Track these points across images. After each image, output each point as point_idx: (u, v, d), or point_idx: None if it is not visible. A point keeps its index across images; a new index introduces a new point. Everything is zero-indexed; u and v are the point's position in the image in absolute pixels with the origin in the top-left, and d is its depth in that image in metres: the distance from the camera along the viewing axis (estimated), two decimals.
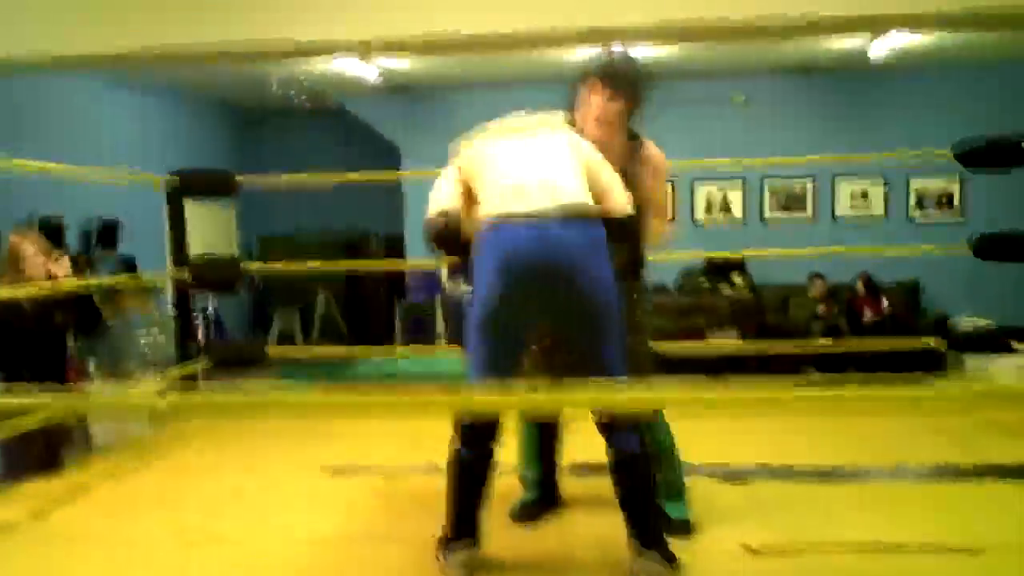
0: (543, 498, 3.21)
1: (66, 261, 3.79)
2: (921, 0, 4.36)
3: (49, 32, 5.34)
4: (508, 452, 2.87)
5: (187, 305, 4.94)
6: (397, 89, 9.47)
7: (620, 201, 2.60)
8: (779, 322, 8.49)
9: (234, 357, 5.05)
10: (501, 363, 2.48)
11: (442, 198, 2.62)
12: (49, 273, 3.69)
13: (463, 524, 2.64)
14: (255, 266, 5.03)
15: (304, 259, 7.63)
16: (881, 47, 7.75)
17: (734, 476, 3.52)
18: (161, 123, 9.34)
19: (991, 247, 4.37)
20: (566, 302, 2.41)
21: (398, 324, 9.50)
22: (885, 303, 8.38)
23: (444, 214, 2.57)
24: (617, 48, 2.93)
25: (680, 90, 9.05)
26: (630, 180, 2.74)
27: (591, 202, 2.47)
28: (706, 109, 9.18)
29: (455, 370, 7.79)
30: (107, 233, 7.59)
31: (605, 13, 4.90)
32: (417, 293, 9.68)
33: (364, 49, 6.48)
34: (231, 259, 4.89)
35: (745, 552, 2.75)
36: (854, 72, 8.78)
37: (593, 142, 2.70)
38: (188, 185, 4.78)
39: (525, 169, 2.49)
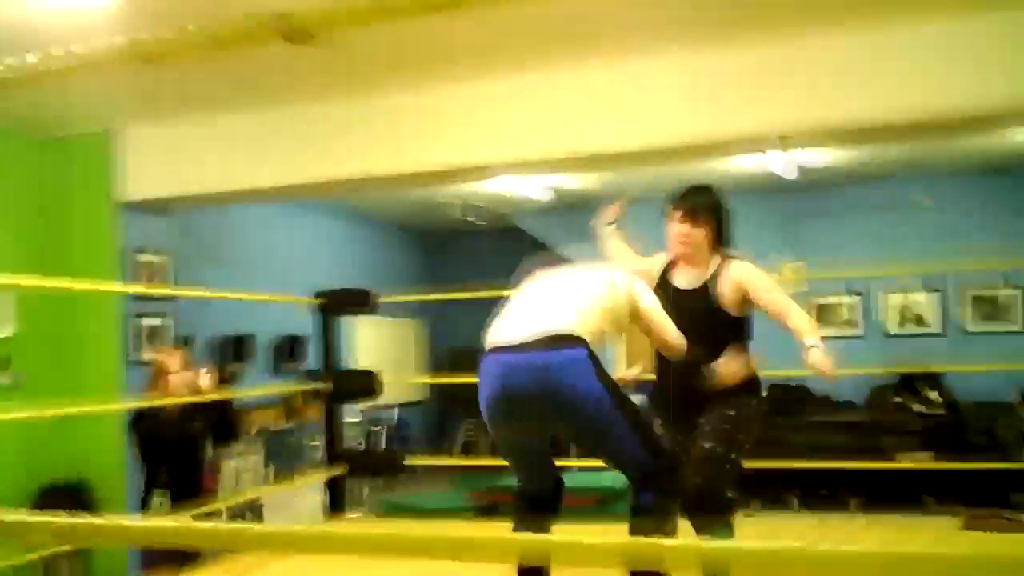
0: None
1: (205, 375, 4.14)
2: None
3: (238, 165, 5.99)
4: None
5: (332, 414, 5.19)
6: (567, 205, 9.70)
7: (668, 340, 2.90)
8: (983, 443, 7.66)
9: (370, 465, 5.24)
10: (513, 460, 2.95)
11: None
12: (191, 386, 4.04)
13: None
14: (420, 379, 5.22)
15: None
16: None
17: None
18: (360, 246, 10.12)
19: None
20: (551, 417, 2.65)
21: None
22: None
23: None
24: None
25: (859, 195, 8.70)
26: (714, 298, 3.02)
27: (580, 329, 2.65)
28: (890, 214, 8.72)
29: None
30: (292, 347, 8.21)
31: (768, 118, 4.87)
32: None
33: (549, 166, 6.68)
34: (368, 371, 5.15)
35: None
36: None
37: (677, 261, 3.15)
38: (332, 303, 5.12)
39: (525, 304, 2.81)
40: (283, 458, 7.35)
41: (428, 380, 11.19)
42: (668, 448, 2.84)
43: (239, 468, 6.97)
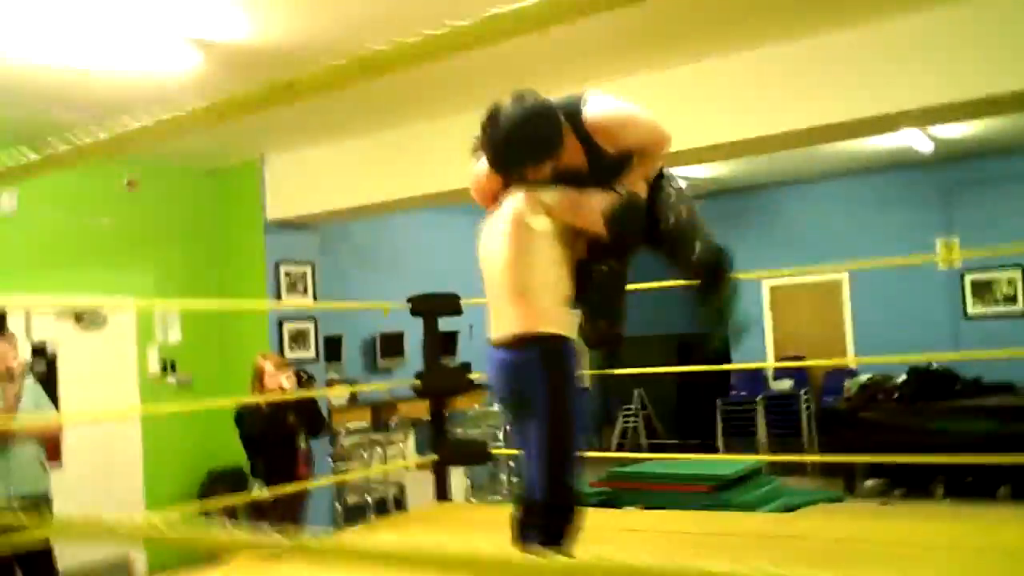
0: None
1: (286, 378, 4.77)
2: None
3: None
4: None
5: (440, 410, 5.69)
6: (711, 193, 9.70)
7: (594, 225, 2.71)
8: None
9: (459, 455, 5.70)
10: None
11: None
12: (280, 386, 4.70)
13: None
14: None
15: (637, 360, 8.14)
16: None
17: None
18: None
19: None
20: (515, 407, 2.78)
21: (719, 424, 9.50)
22: None
23: None
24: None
25: (1010, 165, 8.16)
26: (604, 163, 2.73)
27: (526, 326, 2.63)
28: None
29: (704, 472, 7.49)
30: (447, 342, 8.84)
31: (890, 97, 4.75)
32: (738, 392, 9.62)
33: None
34: (459, 368, 5.61)
35: None
36: None
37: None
38: (422, 307, 5.63)
39: (488, 290, 2.81)
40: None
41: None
42: (571, 489, 2.64)
43: (387, 454, 7.73)
